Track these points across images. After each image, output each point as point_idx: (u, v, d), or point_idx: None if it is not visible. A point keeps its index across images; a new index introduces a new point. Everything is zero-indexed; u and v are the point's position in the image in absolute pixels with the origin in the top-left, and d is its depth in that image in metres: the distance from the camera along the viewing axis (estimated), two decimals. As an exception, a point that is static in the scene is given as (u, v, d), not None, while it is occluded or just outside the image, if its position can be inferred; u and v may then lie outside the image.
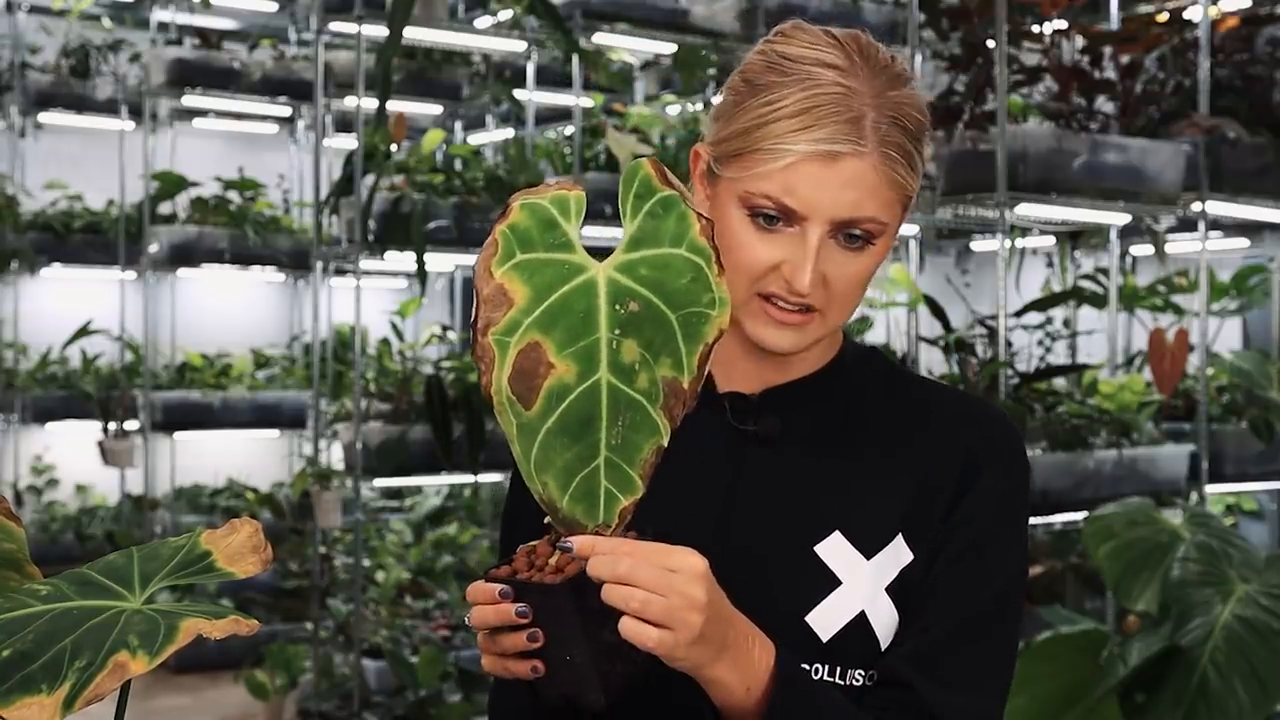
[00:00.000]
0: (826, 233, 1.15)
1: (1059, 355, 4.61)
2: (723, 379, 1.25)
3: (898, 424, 1.24)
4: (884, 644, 1.17)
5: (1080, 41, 3.94)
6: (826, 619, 1.16)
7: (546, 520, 1.07)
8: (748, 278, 1.16)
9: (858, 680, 1.17)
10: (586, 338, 1.04)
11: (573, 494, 1.05)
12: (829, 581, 1.17)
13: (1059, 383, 4.29)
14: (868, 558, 1.18)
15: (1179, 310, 4.52)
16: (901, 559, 1.18)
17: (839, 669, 1.16)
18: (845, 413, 1.24)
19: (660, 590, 1.02)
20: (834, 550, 1.18)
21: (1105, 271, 4.73)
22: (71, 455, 7.99)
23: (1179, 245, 5.16)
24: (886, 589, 1.18)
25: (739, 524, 1.20)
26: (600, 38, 5.36)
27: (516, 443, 1.04)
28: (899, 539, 1.19)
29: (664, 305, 1.04)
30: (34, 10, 7.66)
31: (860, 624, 1.17)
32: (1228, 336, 5.62)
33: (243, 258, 6.50)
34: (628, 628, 1.02)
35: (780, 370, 1.24)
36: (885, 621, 1.17)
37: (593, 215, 2.84)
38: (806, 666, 1.16)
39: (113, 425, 6.84)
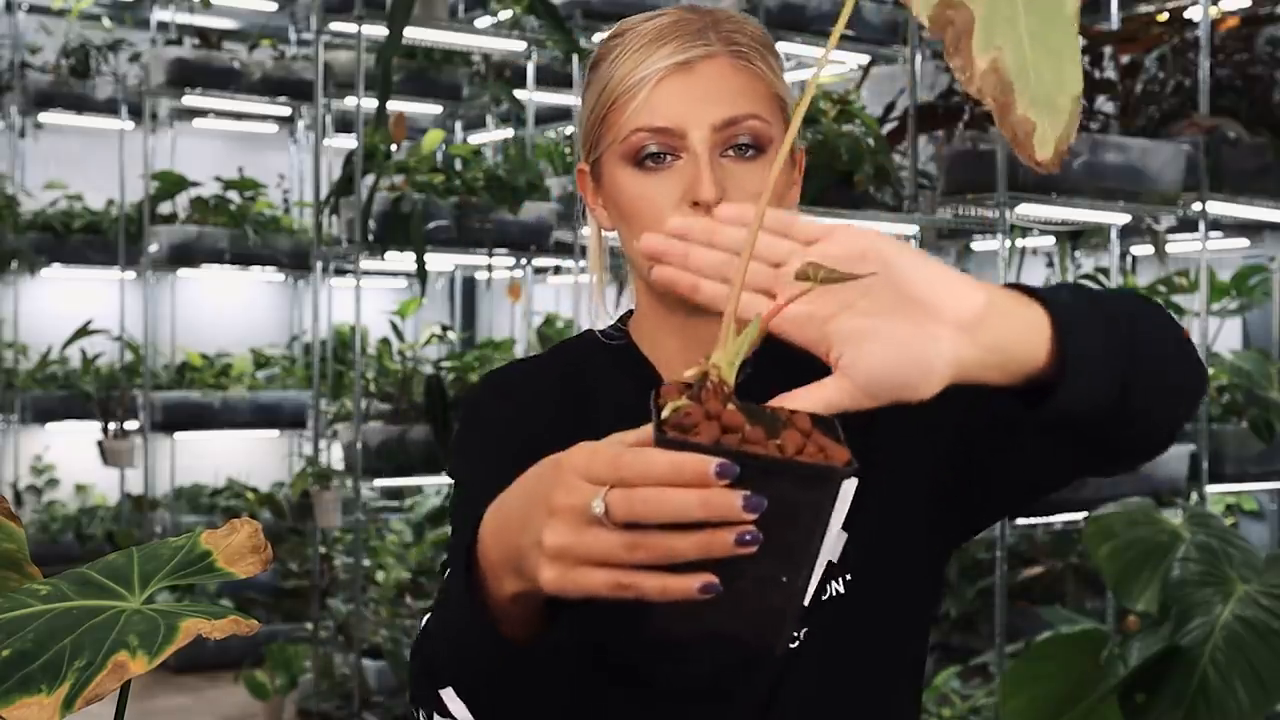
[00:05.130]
0: (713, 145, 1.10)
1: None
2: (667, 372, 1.17)
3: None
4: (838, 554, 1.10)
5: (1080, 42, 3.93)
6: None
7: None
8: (650, 224, 1.09)
9: (839, 589, 1.11)
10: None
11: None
12: None
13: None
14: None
15: (1179, 310, 4.52)
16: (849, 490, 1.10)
17: (817, 599, 1.10)
18: (789, 368, 1.14)
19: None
20: None
21: (1105, 271, 4.72)
22: (71, 455, 7.99)
23: (1179, 245, 5.15)
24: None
25: None
26: (600, 38, 5.36)
27: None
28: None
29: None
30: (34, 10, 7.66)
31: (827, 568, 1.11)
32: (1228, 336, 5.61)
33: (243, 258, 6.50)
34: None
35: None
36: (839, 544, 1.11)
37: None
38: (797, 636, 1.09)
39: (113, 425, 6.84)
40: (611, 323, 1.25)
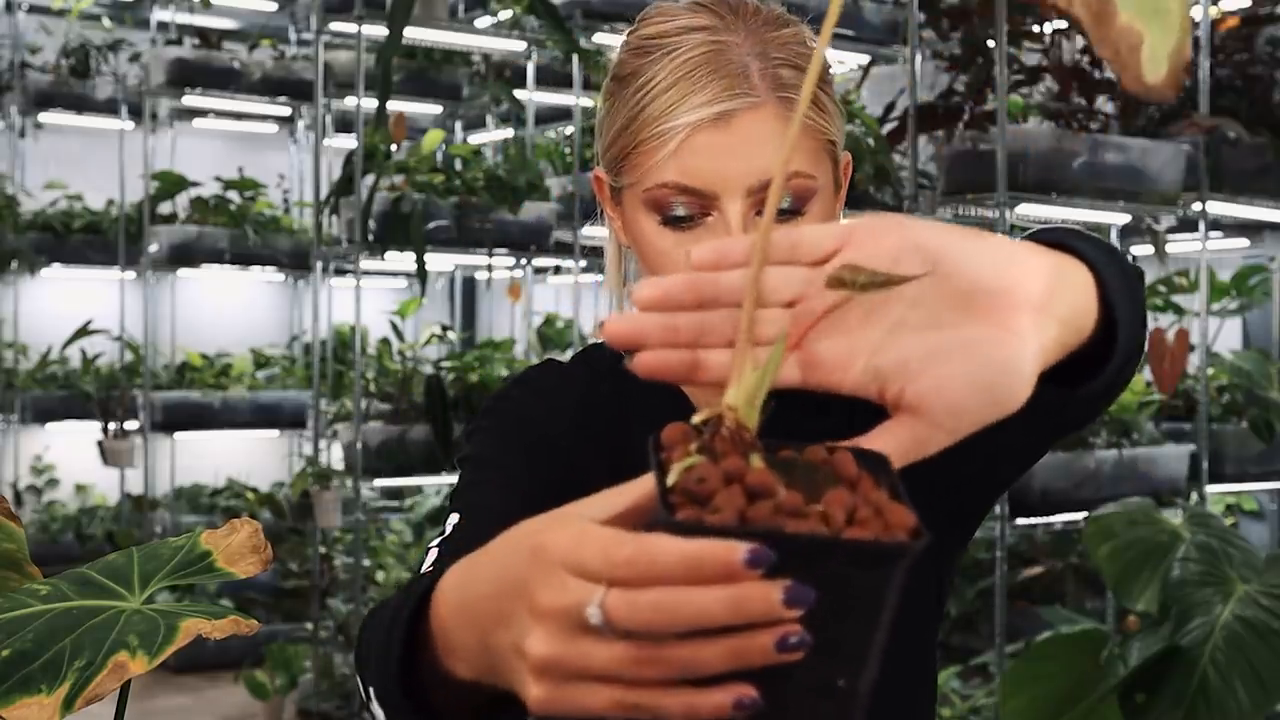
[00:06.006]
0: (748, 208, 0.99)
1: (1059, 355, 4.59)
2: (696, 394, 1.08)
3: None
4: None
5: (1080, 41, 3.94)
6: None
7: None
8: None
9: None
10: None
11: None
12: None
13: (1059, 383, 4.28)
14: None
15: (1179, 310, 4.52)
16: None
17: None
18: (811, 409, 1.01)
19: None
20: None
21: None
22: (71, 455, 7.99)
23: (1179, 245, 5.15)
24: None
25: None
26: (600, 38, 5.36)
27: None
28: None
29: None
30: (34, 10, 7.66)
31: None
32: (1228, 336, 5.61)
33: (243, 258, 6.50)
34: None
35: None
36: None
37: (591, 215, 2.84)
38: None
39: (113, 425, 6.84)
40: None
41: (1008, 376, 0.66)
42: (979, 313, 0.66)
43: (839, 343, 0.67)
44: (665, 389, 1.04)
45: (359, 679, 0.84)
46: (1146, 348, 3.95)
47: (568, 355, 1.22)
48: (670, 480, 0.58)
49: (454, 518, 1.01)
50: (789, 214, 0.99)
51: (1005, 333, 0.66)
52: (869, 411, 0.69)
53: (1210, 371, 4.19)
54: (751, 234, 0.68)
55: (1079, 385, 0.77)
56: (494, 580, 0.66)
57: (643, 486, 0.62)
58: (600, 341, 1.20)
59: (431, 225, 4.82)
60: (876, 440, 0.66)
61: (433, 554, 0.95)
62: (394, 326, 5.53)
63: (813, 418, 0.92)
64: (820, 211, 1.01)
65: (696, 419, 0.62)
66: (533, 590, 0.59)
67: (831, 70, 1.05)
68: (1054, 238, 0.76)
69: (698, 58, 0.99)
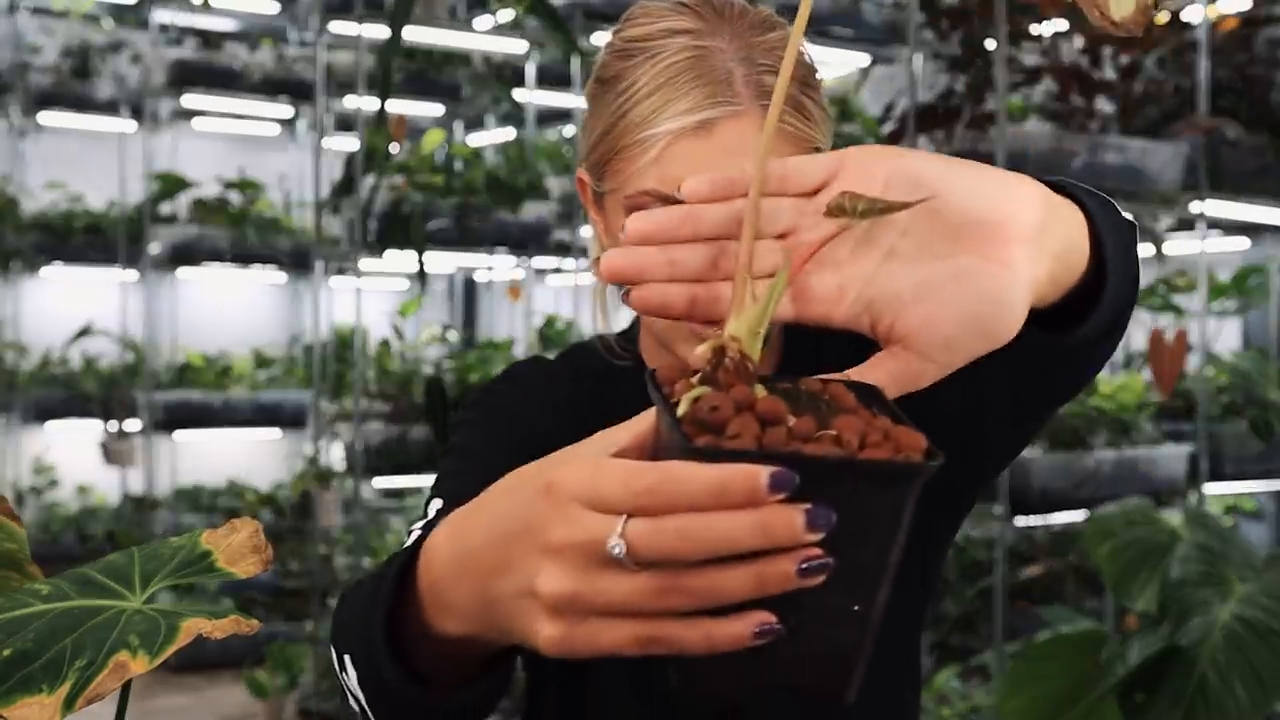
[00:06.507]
0: None
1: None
2: None
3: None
4: None
5: (1080, 42, 3.94)
6: None
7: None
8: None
9: None
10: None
11: None
12: None
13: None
14: None
15: (1179, 310, 4.52)
16: None
17: None
18: (817, 353, 1.03)
19: None
20: None
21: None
22: (72, 455, 8.00)
23: (1179, 245, 5.16)
24: None
25: None
26: (600, 38, 5.37)
27: None
28: None
29: None
30: (34, 10, 7.67)
31: None
32: (1228, 336, 5.61)
33: (243, 258, 6.51)
34: None
35: None
36: None
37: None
38: None
39: (113, 425, 6.84)
40: (625, 327, 1.16)
41: (999, 307, 0.65)
42: (971, 243, 0.65)
43: (830, 276, 0.67)
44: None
45: (333, 648, 0.83)
46: (1147, 347, 3.97)
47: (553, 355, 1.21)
48: (681, 410, 0.58)
49: (437, 503, 0.99)
50: None
51: (997, 265, 0.65)
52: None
53: (1210, 372, 4.19)
54: (742, 165, 0.67)
55: (1068, 332, 0.75)
56: (492, 528, 0.65)
57: (643, 423, 0.62)
58: (585, 342, 1.19)
59: (431, 225, 4.82)
60: (870, 373, 0.66)
61: (414, 535, 0.95)
62: (394, 327, 5.53)
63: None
64: None
65: (699, 350, 0.61)
66: (545, 528, 0.59)
67: (819, 75, 1.03)
68: (1049, 180, 0.74)
69: (681, 63, 0.97)
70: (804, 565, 0.55)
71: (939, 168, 0.66)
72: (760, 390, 0.60)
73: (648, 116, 0.96)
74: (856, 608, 0.58)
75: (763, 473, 0.54)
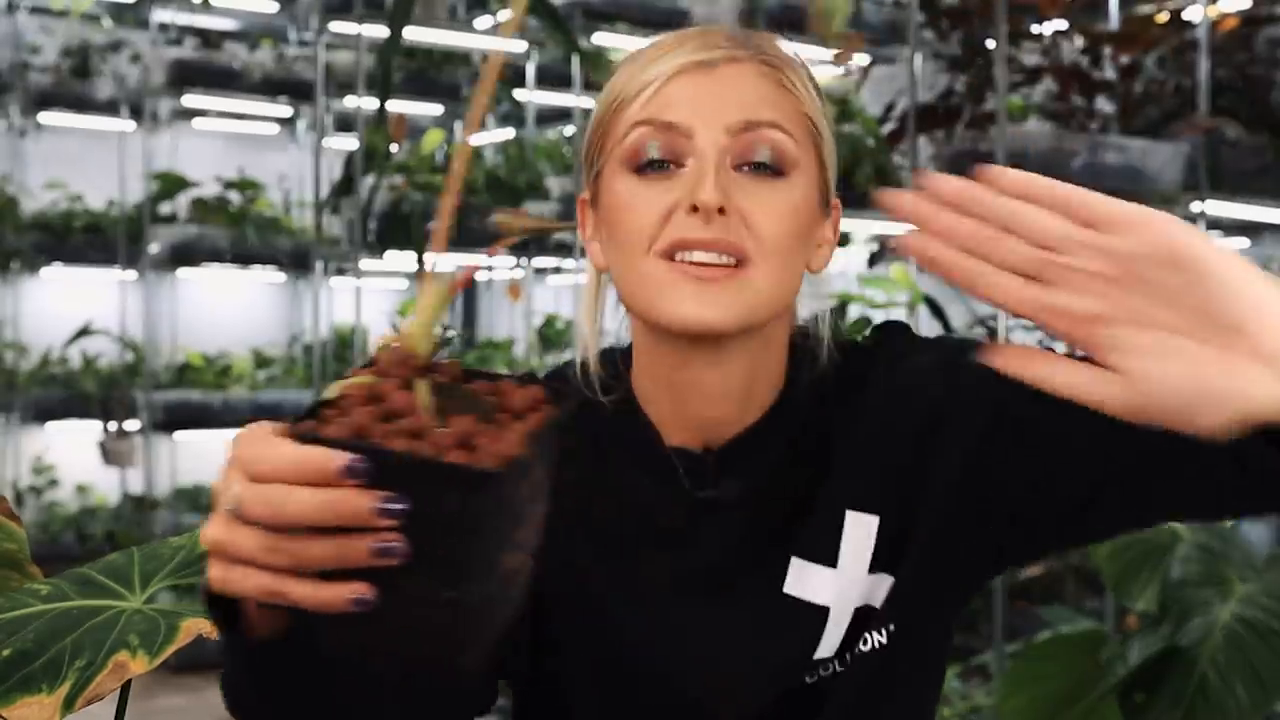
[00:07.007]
0: (724, 150, 0.93)
1: (1059, 355, 4.60)
2: (670, 435, 1.01)
3: (847, 440, 1.01)
4: (879, 602, 0.98)
5: (1080, 42, 3.94)
6: (831, 642, 0.99)
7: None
8: (640, 235, 0.93)
9: (880, 640, 0.99)
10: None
11: None
12: (816, 614, 0.98)
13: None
14: (833, 565, 0.98)
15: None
16: (869, 529, 0.98)
17: (850, 651, 0.99)
18: (807, 459, 1.01)
19: None
20: (801, 579, 0.98)
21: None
22: (72, 455, 7.99)
23: (1179, 245, 5.15)
24: (869, 569, 0.98)
25: (699, 609, 0.99)
26: (600, 38, 5.36)
27: None
28: (850, 517, 0.98)
29: None
30: (34, 10, 7.67)
31: (861, 613, 0.99)
32: (1228, 336, 5.61)
33: (243, 258, 6.50)
34: None
35: (725, 412, 0.99)
36: (879, 590, 0.99)
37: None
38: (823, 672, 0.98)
39: (113, 425, 6.84)
40: (610, 345, 1.07)
41: (1208, 402, 0.70)
42: (1214, 338, 0.70)
43: (1093, 305, 0.71)
44: (637, 449, 1.01)
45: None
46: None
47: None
48: (328, 394, 0.67)
49: None
50: (765, 169, 0.94)
51: (1226, 367, 0.70)
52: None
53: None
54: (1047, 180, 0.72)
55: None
56: None
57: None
58: (561, 370, 1.07)
59: (431, 225, 4.82)
60: (1091, 376, 0.71)
61: None
62: (394, 327, 5.53)
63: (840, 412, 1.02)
64: (801, 185, 0.95)
65: (379, 344, 0.69)
66: (219, 483, 0.68)
67: (813, 73, 1.02)
68: None
69: (686, 33, 0.98)
70: (378, 546, 0.61)
71: (1227, 264, 0.70)
72: (421, 385, 0.65)
73: (646, 66, 0.96)
74: (449, 594, 0.63)
75: (338, 458, 0.61)
